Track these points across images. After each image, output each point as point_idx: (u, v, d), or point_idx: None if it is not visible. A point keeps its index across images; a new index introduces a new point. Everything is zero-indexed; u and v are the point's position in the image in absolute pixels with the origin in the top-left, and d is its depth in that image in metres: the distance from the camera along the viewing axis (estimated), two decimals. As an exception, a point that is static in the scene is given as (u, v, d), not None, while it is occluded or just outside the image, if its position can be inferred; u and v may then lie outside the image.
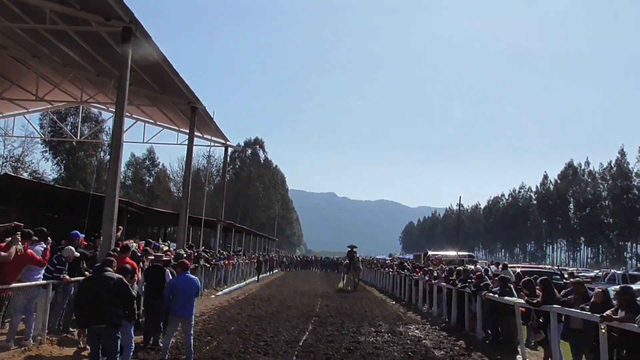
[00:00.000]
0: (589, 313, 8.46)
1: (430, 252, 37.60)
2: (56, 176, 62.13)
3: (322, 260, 70.24)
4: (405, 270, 24.72)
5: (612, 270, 32.52)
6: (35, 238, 9.20)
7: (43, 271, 9.37)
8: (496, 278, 12.88)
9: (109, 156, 20.43)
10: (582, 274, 33.41)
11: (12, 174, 33.89)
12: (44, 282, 9.26)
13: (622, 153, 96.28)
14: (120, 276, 7.15)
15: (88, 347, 6.77)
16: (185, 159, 24.66)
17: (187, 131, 23.50)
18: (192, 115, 22.41)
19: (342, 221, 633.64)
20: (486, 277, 13.70)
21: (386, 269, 32.13)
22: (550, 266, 51.82)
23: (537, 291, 9.89)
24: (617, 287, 8.63)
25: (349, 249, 31.26)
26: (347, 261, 31.42)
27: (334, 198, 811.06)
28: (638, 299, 7.21)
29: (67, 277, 9.73)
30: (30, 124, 33.59)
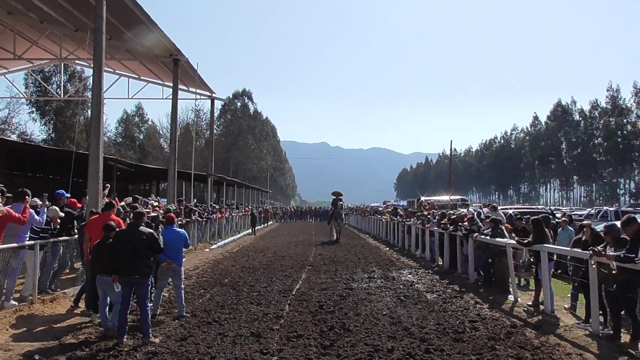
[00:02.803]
0: (579, 250, 8.51)
1: (423, 198, 37.63)
2: (45, 137, 61.46)
3: (317, 210, 70.58)
4: (398, 217, 24.82)
5: (605, 208, 32.55)
6: (9, 195, 9.04)
7: (28, 232, 9.27)
8: (487, 220, 12.88)
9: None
10: (575, 212, 33.53)
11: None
12: (30, 242, 9.17)
13: (615, 89, 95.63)
14: (151, 231, 7.88)
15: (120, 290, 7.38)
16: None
17: (172, 85, 23.07)
18: (174, 68, 22.01)
19: (336, 170, 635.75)
20: (477, 219, 13.72)
21: (379, 215, 32.28)
22: (543, 206, 52.28)
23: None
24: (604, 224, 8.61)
25: (334, 196, 29.21)
26: (331, 210, 29.69)
27: (326, 148, 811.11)
28: None
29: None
30: (13, 84, 32.82)
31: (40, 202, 9.64)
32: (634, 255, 6.72)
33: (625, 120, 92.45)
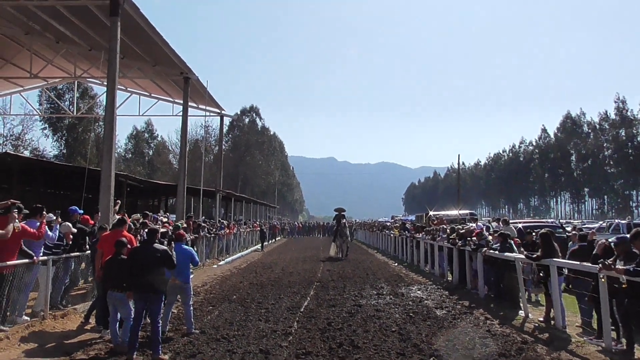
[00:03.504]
0: (590, 264, 8.47)
1: (431, 212, 37.52)
2: (57, 152, 62.07)
3: (324, 226, 70.44)
4: (407, 232, 24.76)
5: (617, 220, 32.06)
6: (26, 211, 9.17)
7: (42, 248, 9.38)
8: (496, 234, 12.85)
9: (104, 130, 20.34)
10: (587, 225, 33.20)
11: (12, 152, 33.76)
12: (44, 257, 9.28)
13: (623, 101, 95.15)
14: (165, 247, 8.17)
15: (133, 307, 7.65)
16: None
17: (182, 102, 23.37)
18: (185, 85, 22.34)
19: (344, 185, 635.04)
20: (486, 234, 13.69)
21: (388, 231, 32.20)
22: (553, 220, 51.92)
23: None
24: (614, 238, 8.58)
25: (336, 212, 28.71)
26: (335, 226, 28.82)
27: (334, 162, 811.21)
28: None
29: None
30: (28, 102, 33.38)
31: (54, 218, 9.78)
32: (644, 269, 6.70)
33: (635, 131, 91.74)
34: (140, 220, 13.52)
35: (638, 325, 7.13)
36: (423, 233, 20.98)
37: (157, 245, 7.89)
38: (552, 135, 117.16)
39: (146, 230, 9.68)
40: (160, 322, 7.69)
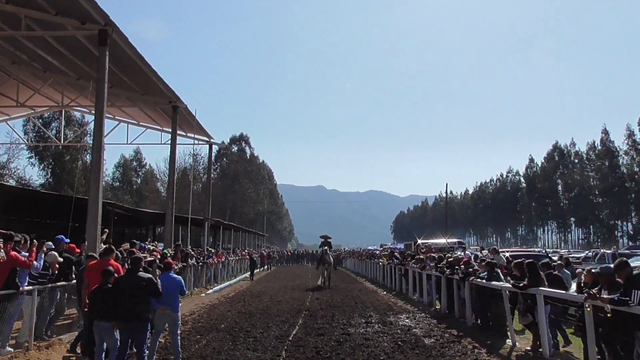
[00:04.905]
0: (575, 294, 8.57)
1: (420, 241, 37.66)
2: (43, 181, 61.51)
3: (313, 254, 70.09)
4: (395, 260, 24.78)
5: (602, 250, 32.50)
6: (17, 239, 9.12)
7: (27, 277, 9.31)
8: (483, 263, 12.93)
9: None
10: (573, 255, 33.51)
11: (-3, 181, 33.50)
12: (29, 287, 9.19)
13: (606, 132, 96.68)
14: (150, 276, 8.05)
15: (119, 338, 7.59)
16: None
17: (170, 130, 23.43)
18: (173, 114, 22.39)
19: (333, 213, 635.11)
20: (474, 263, 13.77)
21: (376, 259, 32.19)
22: (540, 249, 52.18)
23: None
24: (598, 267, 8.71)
25: (322, 239, 28.16)
26: (320, 254, 27.89)
27: (323, 190, 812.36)
28: (635, 272, 7.29)
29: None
30: (14, 130, 33.06)
31: (51, 244, 9.76)
32: (627, 298, 6.80)
33: (620, 161, 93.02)
34: (128, 249, 13.46)
35: (623, 353, 7.19)
36: (412, 261, 21.00)
37: (142, 274, 7.89)
38: (539, 165, 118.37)
39: (130, 259, 9.63)
40: (147, 351, 7.64)
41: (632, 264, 7.70)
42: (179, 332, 8.89)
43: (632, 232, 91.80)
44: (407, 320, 13.93)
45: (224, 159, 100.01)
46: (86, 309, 8.60)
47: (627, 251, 31.71)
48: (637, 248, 42.98)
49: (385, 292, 22.55)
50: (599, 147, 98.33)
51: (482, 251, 22.67)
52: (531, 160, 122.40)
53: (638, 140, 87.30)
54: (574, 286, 10.72)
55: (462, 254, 19.26)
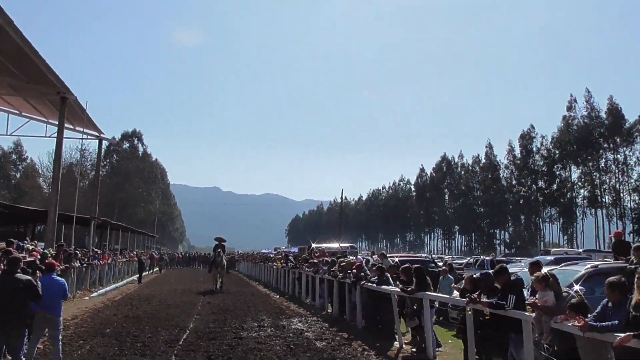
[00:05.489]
0: (459, 298, 9.10)
1: (314, 245, 38.19)
2: None
3: (206, 256, 68.78)
4: (289, 263, 24.93)
5: (482, 257, 35.07)
6: None
7: None
8: (374, 268, 13.33)
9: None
10: (456, 261, 35.73)
11: None
12: None
13: (490, 146, 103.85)
14: (29, 277, 7.44)
15: None
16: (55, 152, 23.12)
17: (57, 123, 22.03)
18: (62, 105, 21.11)
19: (228, 216, 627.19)
20: (365, 267, 14.17)
21: (270, 262, 32.22)
22: (426, 254, 54.94)
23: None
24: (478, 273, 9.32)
25: (216, 242, 27.18)
26: (213, 257, 27.24)
27: (218, 192, 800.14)
28: (512, 278, 7.83)
29: None
30: None
31: None
32: (504, 302, 7.32)
33: (501, 174, 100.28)
34: (4, 249, 12.43)
35: (499, 354, 7.75)
36: (305, 265, 21.23)
37: (19, 275, 7.31)
38: (428, 175, 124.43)
39: (6, 260, 8.90)
40: (24, 359, 7.12)
41: (510, 270, 8.29)
42: (60, 337, 8.35)
43: (508, 241, 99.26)
44: (299, 323, 14.04)
45: (115, 156, 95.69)
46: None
47: (503, 258, 34.55)
48: (513, 255, 46.91)
49: (278, 296, 22.60)
50: (484, 160, 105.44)
51: (373, 256, 23.38)
52: (422, 170, 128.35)
53: (517, 155, 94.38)
54: (455, 292, 11.36)
55: (354, 258, 19.74)
